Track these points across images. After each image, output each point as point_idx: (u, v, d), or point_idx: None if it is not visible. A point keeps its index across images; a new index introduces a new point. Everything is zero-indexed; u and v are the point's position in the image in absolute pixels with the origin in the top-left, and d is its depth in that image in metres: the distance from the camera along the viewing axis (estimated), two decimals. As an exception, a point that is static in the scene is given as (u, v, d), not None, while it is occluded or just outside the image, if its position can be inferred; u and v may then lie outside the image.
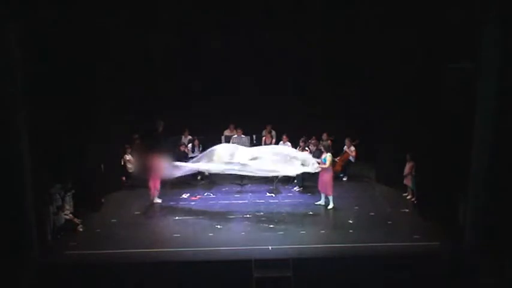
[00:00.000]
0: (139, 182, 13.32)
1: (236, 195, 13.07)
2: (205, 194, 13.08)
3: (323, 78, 15.26)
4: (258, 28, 12.96)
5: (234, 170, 12.21)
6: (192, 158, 14.19)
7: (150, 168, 12.15)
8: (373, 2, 11.61)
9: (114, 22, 11.58)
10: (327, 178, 11.94)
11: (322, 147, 12.56)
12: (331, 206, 12.00)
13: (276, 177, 13.18)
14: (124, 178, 13.70)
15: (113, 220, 11.53)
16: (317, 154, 13.52)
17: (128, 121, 13.95)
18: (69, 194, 11.15)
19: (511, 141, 9.33)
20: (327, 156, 11.94)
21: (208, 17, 12.05)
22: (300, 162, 12.03)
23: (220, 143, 15.14)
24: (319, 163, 11.90)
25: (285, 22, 12.49)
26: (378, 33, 12.48)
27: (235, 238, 10.53)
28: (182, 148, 14.24)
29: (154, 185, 12.29)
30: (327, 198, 12.11)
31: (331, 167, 12.05)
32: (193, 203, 12.62)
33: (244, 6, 11.70)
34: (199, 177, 14.11)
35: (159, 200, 12.43)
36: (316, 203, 12.22)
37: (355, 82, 14.87)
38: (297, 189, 13.36)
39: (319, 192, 12.34)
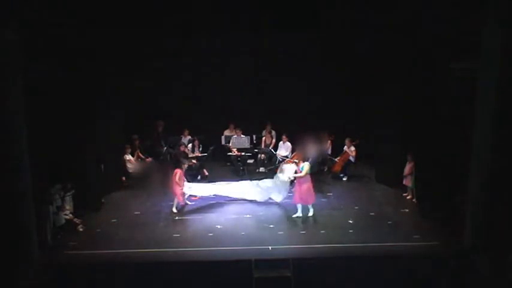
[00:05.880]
0: (139, 182, 13.37)
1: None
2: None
3: (323, 78, 15.27)
4: (257, 28, 12.95)
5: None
6: (192, 158, 14.25)
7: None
8: (374, 2, 11.60)
9: (113, 23, 11.57)
10: (305, 188, 11.35)
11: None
12: (311, 213, 11.50)
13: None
14: (124, 178, 13.70)
15: (113, 220, 11.53)
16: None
17: (127, 121, 13.96)
18: (69, 194, 11.14)
19: (511, 141, 9.34)
20: (305, 165, 11.37)
21: (208, 17, 12.04)
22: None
23: (220, 143, 15.22)
24: (296, 172, 11.49)
25: (284, 22, 12.47)
26: (378, 33, 12.47)
27: (235, 238, 10.53)
28: (182, 148, 14.23)
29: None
30: (305, 207, 11.52)
31: (309, 176, 11.42)
32: (193, 203, 12.61)
33: (245, 7, 11.70)
34: (198, 178, 14.09)
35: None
36: (293, 216, 11.51)
37: (356, 82, 14.87)
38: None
39: (294, 204, 11.63)
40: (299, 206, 11.58)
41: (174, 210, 11.95)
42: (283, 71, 15.25)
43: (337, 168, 14.35)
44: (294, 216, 11.55)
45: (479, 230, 9.67)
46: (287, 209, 11.96)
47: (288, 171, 11.94)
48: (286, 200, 12.68)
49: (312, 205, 11.60)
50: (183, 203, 12.19)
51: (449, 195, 10.88)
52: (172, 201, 12.06)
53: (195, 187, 12.45)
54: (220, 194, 12.46)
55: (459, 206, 10.42)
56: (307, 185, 11.41)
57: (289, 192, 12.28)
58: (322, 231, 10.85)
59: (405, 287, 9.58)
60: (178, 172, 11.96)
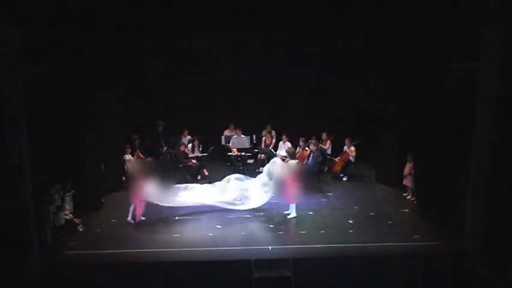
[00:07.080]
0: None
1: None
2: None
3: (323, 78, 15.29)
4: (258, 28, 12.97)
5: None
6: (192, 158, 14.24)
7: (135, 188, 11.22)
8: (374, 2, 11.62)
9: (113, 23, 11.58)
10: (286, 185, 11.32)
11: (286, 154, 11.99)
12: (292, 215, 11.40)
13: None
14: (124, 178, 13.69)
15: (113, 220, 11.52)
16: (317, 154, 13.59)
17: (127, 121, 13.96)
18: (68, 194, 11.13)
19: (511, 141, 9.34)
20: (290, 163, 11.52)
21: (209, 17, 12.06)
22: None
23: (220, 143, 15.22)
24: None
25: (285, 22, 12.50)
26: (378, 33, 12.48)
27: (235, 238, 10.52)
28: (182, 148, 14.23)
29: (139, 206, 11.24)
30: (297, 206, 11.48)
31: (294, 176, 11.32)
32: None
33: (245, 7, 11.72)
34: (199, 177, 14.10)
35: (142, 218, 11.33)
36: (284, 212, 11.64)
37: (356, 82, 14.88)
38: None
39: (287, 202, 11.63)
40: (291, 205, 11.53)
41: (130, 219, 11.21)
42: (283, 71, 15.26)
43: (337, 168, 14.35)
44: (285, 212, 11.59)
45: (479, 230, 9.67)
46: (287, 209, 11.95)
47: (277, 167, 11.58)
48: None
49: (293, 207, 11.45)
50: (140, 217, 11.26)
51: (449, 195, 10.87)
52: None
53: (191, 189, 11.85)
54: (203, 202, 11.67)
55: (459, 206, 10.41)
56: (289, 183, 11.28)
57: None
58: (322, 231, 10.83)
59: (405, 287, 9.58)
60: (145, 183, 11.13)
